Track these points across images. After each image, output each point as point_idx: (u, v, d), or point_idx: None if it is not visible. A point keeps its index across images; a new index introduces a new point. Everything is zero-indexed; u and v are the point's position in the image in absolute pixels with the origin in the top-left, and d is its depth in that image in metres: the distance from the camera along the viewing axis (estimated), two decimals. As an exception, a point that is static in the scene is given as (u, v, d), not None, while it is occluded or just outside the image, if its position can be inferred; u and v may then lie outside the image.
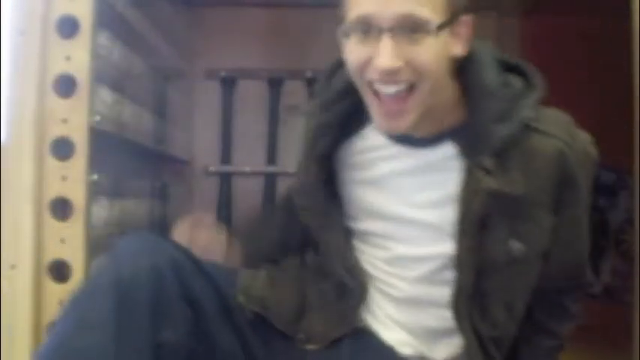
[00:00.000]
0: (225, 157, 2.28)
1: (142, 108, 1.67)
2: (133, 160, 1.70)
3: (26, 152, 1.27)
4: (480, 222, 1.16)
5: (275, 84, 2.28)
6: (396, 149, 1.23)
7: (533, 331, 1.28)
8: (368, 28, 1.12)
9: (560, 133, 1.17)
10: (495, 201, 1.15)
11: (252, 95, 2.29)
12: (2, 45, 1.29)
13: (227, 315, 1.21)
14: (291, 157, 2.24)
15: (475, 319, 1.19)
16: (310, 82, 2.26)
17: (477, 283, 1.18)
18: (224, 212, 2.24)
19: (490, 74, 1.18)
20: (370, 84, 1.13)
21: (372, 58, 1.11)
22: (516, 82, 1.20)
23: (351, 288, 1.25)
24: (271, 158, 2.28)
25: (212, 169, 2.27)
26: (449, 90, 1.17)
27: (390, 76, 1.09)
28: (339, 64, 1.27)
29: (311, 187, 1.28)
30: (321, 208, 1.28)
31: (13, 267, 1.26)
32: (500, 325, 1.21)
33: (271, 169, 2.28)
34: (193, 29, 2.25)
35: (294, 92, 2.29)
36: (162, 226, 1.91)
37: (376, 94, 1.13)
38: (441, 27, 1.09)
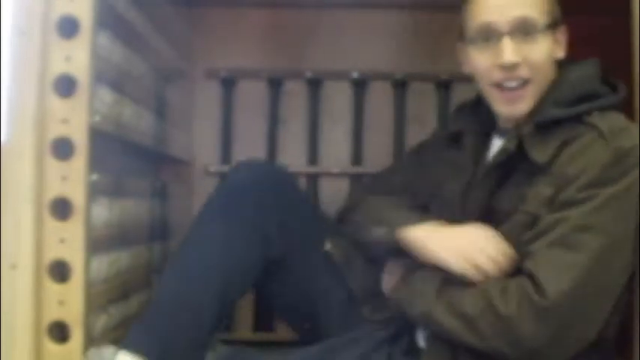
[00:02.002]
0: (225, 157, 2.28)
1: (142, 108, 1.67)
2: (132, 160, 1.70)
3: (26, 152, 1.27)
4: (498, 175, 1.34)
5: (275, 84, 2.28)
6: (495, 143, 1.43)
7: None
8: (488, 35, 1.34)
9: (606, 130, 1.29)
10: (517, 162, 1.32)
11: (252, 95, 2.29)
12: (2, 45, 1.29)
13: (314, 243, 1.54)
14: (291, 157, 2.26)
15: None
16: (310, 82, 2.26)
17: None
18: (224, 212, 2.24)
19: (576, 72, 1.37)
20: (495, 84, 1.36)
21: (494, 62, 1.34)
22: (599, 87, 1.37)
23: None
24: (271, 158, 2.28)
25: (212, 169, 2.27)
26: (546, 86, 1.37)
27: (512, 70, 1.33)
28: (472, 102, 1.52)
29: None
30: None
31: (12, 267, 1.26)
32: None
33: (271, 169, 2.28)
34: (193, 29, 2.25)
35: (294, 92, 2.29)
36: (162, 226, 1.91)
37: (499, 87, 1.36)
38: (548, 26, 1.34)
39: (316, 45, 2.26)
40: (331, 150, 2.28)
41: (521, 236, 1.29)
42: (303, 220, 1.54)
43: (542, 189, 1.29)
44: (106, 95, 1.40)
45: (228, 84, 2.28)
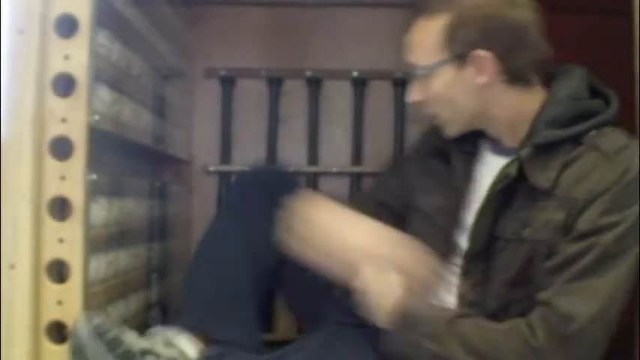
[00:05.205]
0: (225, 156, 2.28)
1: (141, 107, 1.66)
2: (132, 160, 1.70)
3: (25, 152, 1.26)
4: (499, 201, 1.32)
5: (275, 83, 2.28)
6: (489, 158, 1.42)
7: None
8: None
9: (608, 149, 1.28)
10: (518, 186, 1.31)
11: (251, 94, 2.29)
12: (1, 44, 1.28)
13: None
14: (291, 156, 2.25)
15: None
16: (310, 82, 2.26)
17: (486, 255, 1.34)
18: (224, 212, 2.23)
19: (565, 89, 1.34)
20: None
21: None
22: (597, 105, 1.33)
23: None
24: (271, 158, 2.28)
25: (212, 168, 2.27)
26: (504, 108, 1.35)
27: (420, 108, 1.40)
28: None
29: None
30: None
31: (11, 267, 1.25)
32: (496, 298, 1.33)
33: (271, 168, 2.28)
34: (193, 28, 2.25)
35: (294, 92, 2.28)
36: (161, 226, 1.90)
37: None
38: (443, 63, 1.33)
39: (316, 44, 2.26)
40: (331, 150, 2.28)
41: (534, 264, 1.29)
42: None
43: (552, 214, 1.28)
44: (105, 94, 1.40)
45: (228, 83, 2.28)
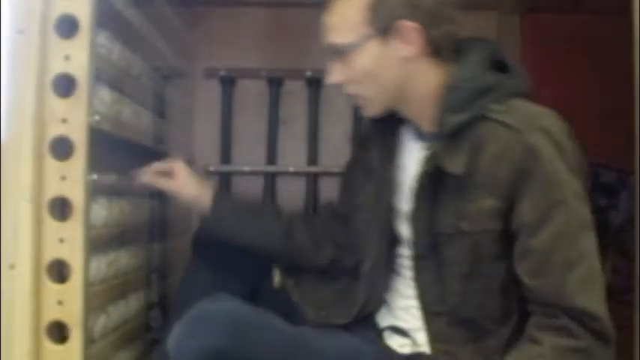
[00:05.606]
0: (225, 156, 2.28)
1: (141, 107, 1.66)
2: (132, 160, 1.70)
3: (25, 152, 1.26)
4: (429, 197, 1.33)
5: (275, 84, 2.28)
6: (412, 144, 1.41)
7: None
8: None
9: (517, 123, 1.28)
10: (442, 179, 1.30)
11: (251, 95, 2.29)
12: (1, 44, 1.28)
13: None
14: (291, 156, 2.25)
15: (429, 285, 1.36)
16: (310, 82, 2.26)
17: (434, 252, 1.34)
18: (224, 212, 2.23)
19: (465, 69, 1.33)
20: None
21: None
22: (495, 78, 1.33)
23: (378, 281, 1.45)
24: (271, 158, 2.28)
25: (212, 168, 2.27)
26: (425, 84, 1.34)
27: (343, 89, 1.38)
28: None
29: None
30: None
31: (11, 267, 1.25)
32: (454, 293, 1.33)
33: (271, 168, 2.28)
34: (193, 29, 2.25)
35: (294, 92, 2.28)
36: (161, 226, 1.90)
37: None
38: (367, 38, 1.32)
39: (316, 45, 2.24)
40: (331, 150, 2.28)
41: (481, 254, 1.31)
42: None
43: (483, 203, 1.29)
44: (106, 95, 1.40)
45: (228, 83, 2.28)
